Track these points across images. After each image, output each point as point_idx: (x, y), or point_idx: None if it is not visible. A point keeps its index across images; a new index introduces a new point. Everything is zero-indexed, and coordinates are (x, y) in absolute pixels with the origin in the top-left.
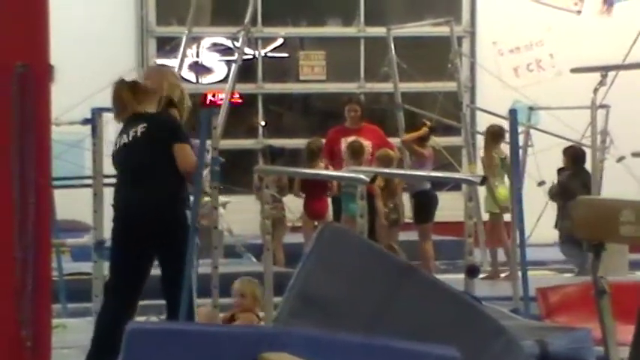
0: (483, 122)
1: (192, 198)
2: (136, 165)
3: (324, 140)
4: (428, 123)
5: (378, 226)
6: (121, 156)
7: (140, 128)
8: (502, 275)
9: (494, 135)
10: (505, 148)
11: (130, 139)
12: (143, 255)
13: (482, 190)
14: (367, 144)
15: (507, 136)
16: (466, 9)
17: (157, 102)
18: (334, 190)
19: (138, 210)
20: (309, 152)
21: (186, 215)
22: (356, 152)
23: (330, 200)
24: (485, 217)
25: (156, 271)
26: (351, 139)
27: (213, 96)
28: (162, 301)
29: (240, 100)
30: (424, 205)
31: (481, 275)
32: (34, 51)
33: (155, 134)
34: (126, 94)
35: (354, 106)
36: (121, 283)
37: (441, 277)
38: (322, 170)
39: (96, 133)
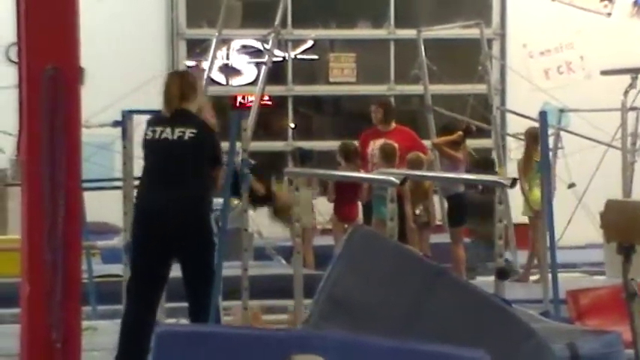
0: (513, 125)
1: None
2: (173, 166)
3: (356, 143)
4: (472, 128)
5: (408, 229)
6: (159, 150)
7: (188, 132)
8: (532, 278)
9: (535, 137)
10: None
11: (175, 137)
12: (166, 256)
13: (519, 193)
14: (394, 146)
15: None
16: (496, 11)
17: (201, 99)
18: (364, 195)
19: (165, 211)
20: (345, 154)
21: (211, 218)
22: (388, 155)
23: (360, 205)
24: (515, 219)
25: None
26: (379, 141)
27: (243, 98)
28: None
29: (270, 103)
30: (457, 208)
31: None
32: (65, 54)
33: (201, 145)
34: (174, 87)
35: (376, 107)
36: (144, 285)
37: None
38: (354, 173)
39: (126, 136)
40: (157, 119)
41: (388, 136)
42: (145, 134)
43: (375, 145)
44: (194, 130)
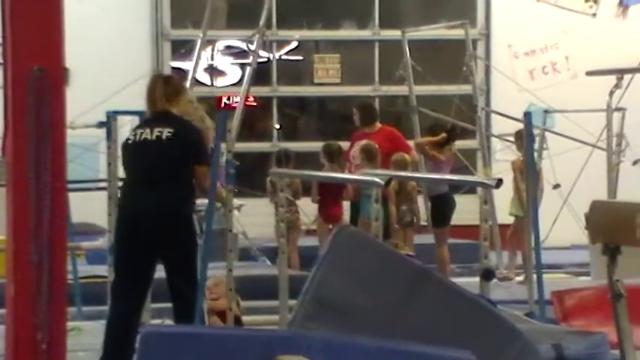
0: (498, 125)
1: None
2: (153, 166)
3: (340, 143)
4: (457, 130)
5: (392, 230)
6: (139, 152)
7: (166, 132)
8: (517, 278)
9: None
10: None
11: (154, 137)
12: (150, 257)
13: (503, 193)
14: (375, 146)
15: None
16: (481, 12)
17: (184, 105)
18: (350, 194)
19: (147, 211)
20: (328, 155)
21: (194, 219)
22: (369, 155)
23: (346, 204)
24: (500, 220)
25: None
26: (363, 142)
27: (228, 99)
28: None
29: (254, 104)
30: (441, 209)
31: (498, 275)
32: (50, 55)
33: (180, 143)
34: (159, 88)
35: (355, 109)
36: (128, 285)
37: (456, 280)
38: (337, 173)
39: (111, 137)
40: (140, 123)
41: (372, 138)
42: (127, 139)
43: (355, 148)
44: (171, 130)
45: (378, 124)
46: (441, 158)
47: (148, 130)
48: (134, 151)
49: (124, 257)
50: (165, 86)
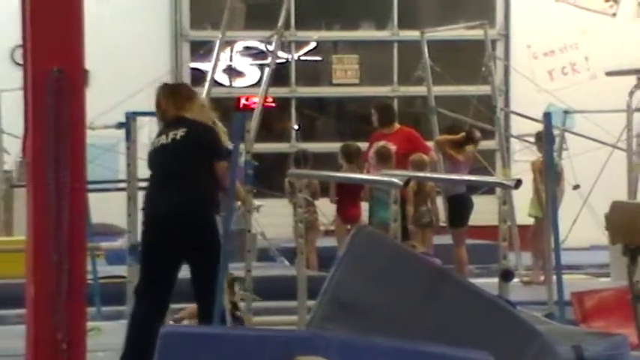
0: (518, 126)
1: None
2: (171, 168)
3: (358, 144)
4: (476, 134)
5: (410, 231)
6: (157, 156)
7: (180, 132)
8: (541, 279)
9: None
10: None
11: (169, 140)
12: (174, 258)
13: (522, 194)
14: (393, 148)
15: None
16: (500, 12)
17: (197, 110)
18: (367, 195)
19: (170, 213)
20: (346, 155)
21: (216, 219)
22: (384, 157)
23: (365, 205)
24: (519, 221)
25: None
26: (380, 144)
27: (247, 100)
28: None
29: (273, 104)
30: (458, 209)
31: (522, 279)
32: (69, 56)
33: (194, 142)
34: (163, 100)
35: (373, 110)
36: (152, 287)
37: (475, 281)
38: (356, 174)
39: (130, 137)
40: (158, 132)
41: (390, 138)
42: (149, 149)
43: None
44: (185, 129)
45: (397, 125)
46: (459, 158)
47: (164, 136)
48: (154, 158)
49: (149, 260)
50: (175, 96)
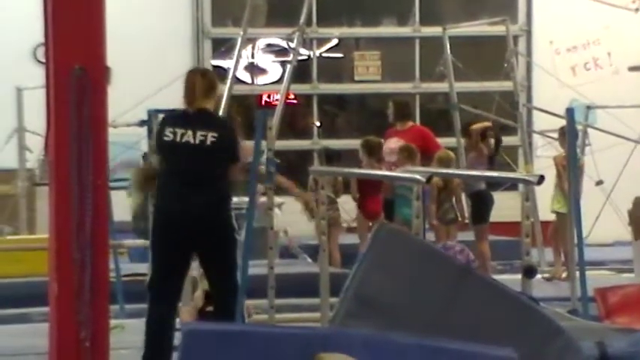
0: (540, 122)
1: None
2: (197, 168)
3: (380, 139)
4: (499, 144)
5: (432, 227)
6: (181, 154)
7: (210, 137)
8: (563, 275)
9: None
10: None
11: (197, 142)
12: (187, 257)
13: (545, 190)
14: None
15: None
16: (522, 8)
17: (215, 100)
18: (387, 191)
19: (187, 214)
20: (367, 149)
21: (232, 216)
22: (410, 154)
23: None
24: (542, 217)
25: None
26: (392, 140)
27: (269, 97)
28: None
29: (295, 101)
30: (479, 206)
31: (544, 275)
32: (91, 54)
33: (222, 147)
34: (199, 83)
35: (390, 103)
36: (166, 284)
37: (497, 277)
38: (376, 170)
39: (152, 135)
40: (175, 119)
41: (402, 135)
42: (164, 135)
43: (386, 145)
44: (215, 134)
45: (410, 122)
46: (483, 149)
47: (190, 132)
48: (176, 152)
49: (161, 257)
50: (203, 81)
